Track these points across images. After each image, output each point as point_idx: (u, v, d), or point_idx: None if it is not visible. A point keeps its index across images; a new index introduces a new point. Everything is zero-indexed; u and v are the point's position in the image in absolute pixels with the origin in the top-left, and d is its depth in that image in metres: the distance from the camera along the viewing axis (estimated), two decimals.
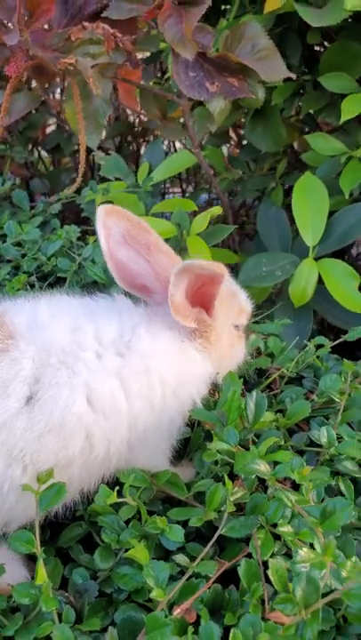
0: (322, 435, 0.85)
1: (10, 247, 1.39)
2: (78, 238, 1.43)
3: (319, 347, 1.14)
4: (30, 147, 2.47)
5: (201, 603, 0.68)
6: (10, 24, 1.13)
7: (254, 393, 0.90)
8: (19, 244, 1.41)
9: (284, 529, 0.69)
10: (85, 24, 1.19)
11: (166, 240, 1.48)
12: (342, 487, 0.82)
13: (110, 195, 1.61)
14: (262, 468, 0.71)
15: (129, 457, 0.81)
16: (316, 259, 1.57)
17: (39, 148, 2.54)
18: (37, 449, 0.70)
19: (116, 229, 0.83)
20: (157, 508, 0.82)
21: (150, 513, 0.81)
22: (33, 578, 0.68)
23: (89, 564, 0.76)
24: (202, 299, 0.84)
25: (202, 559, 0.73)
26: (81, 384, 0.73)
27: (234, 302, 0.92)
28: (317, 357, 1.14)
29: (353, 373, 1.03)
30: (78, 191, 1.63)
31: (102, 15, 1.24)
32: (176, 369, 0.82)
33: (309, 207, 1.56)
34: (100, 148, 2.73)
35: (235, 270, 1.67)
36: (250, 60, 1.27)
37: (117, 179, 1.88)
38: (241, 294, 0.94)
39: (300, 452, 0.90)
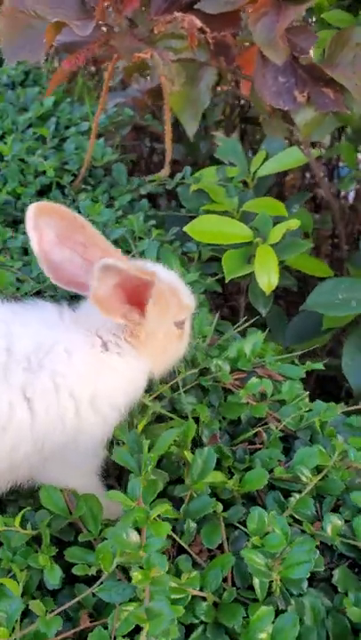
0: (251, 519, 0.78)
1: None
2: (149, 230, 1.42)
3: None
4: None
5: None
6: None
7: (205, 449, 0.85)
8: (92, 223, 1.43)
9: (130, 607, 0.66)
10: (176, 14, 1.14)
11: (239, 245, 1.43)
12: (256, 583, 0.75)
13: (201, 184, 1.56)
14: (132, 538, 0.68)
15: (47, 473, 0.83)
16: None
17: None
18: None
19: (49, 230, 0.82)
20: (69, 538, 0.83)
21: (61, 542, 0.82)
22: None
23: None
24: (137, 297, 0.82)
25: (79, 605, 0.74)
26: None
27: (172, 300, 0.89)
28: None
29: (342, 453, 0.92)
30: (172, 175, 1.60)
31: (195, 7, 1.16)
32: (93, 385, 0.82)
33: None
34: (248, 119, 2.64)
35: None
36: (347, 73, 1.12)
37: (231, 163, 1.81)
38: (182, 290, 0.91)
39: (234, 527, 0.84)
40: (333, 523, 0.81)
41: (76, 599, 0.72)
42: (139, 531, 0.72)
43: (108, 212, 1.43)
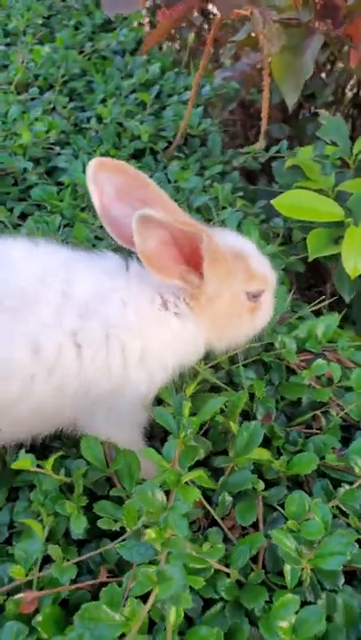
0: (291, 501, 0.73)
1: (168, 189, 1.39)
2: (235, 201, 1.37)
3: None
4: None
5: (54, 601, 0.67)
6: None
7: (253, 423, 0.80)
8: (178, 190, 1.41)
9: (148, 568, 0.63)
10: None
11: (331, 224, 1.34)
12: (286, 569, 0.70)
13: (296, 159, 1.49)
14: (158, 498, 0.65)
15: (92, 422, 0.82)
16: None
17: None
18: None
19: (109, 185, 0.81)
20: (103, 492, 0.81)
21: (93, 494, 0.81)
22: None
23: None
24: (195, 258, 0.79)
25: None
26: (25, 332, 0.73)
27: (238, 265, 0.83)
28: None
29: None
30: (268, 148, 1.54)
31: None
32: (145, 339, 0.79)
33: None
34: None
35: None
36: None
37: (334, 143, 1.71)
38: (252, 258, 0.86)
39: (273, 509, 0.79)
40: None
41: (95, 552, 0.70)
42: (169, 493, 0.69)
43: (196, 179, 1.39)
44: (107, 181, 0.81)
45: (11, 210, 1.36)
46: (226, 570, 0.69)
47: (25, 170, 1.47)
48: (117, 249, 1.20)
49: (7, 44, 2.16)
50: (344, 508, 0.78)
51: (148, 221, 0.73)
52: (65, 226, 1.27)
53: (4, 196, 1.42)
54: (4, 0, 2.45)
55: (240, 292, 0.84)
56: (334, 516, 0.79)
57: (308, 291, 1.82)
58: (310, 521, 0.70)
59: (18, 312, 0.74)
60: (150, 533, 0.59)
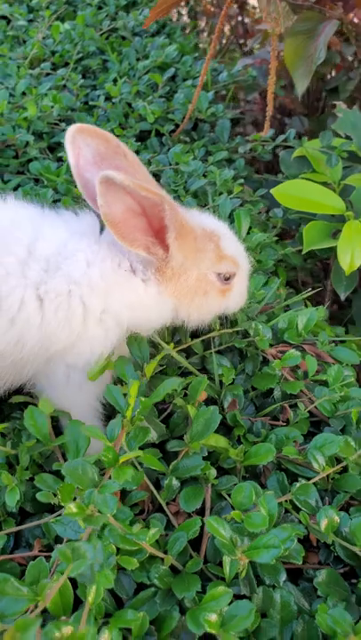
0: (238, 490, 0.70)
1: (168, 172, 1.37)
2: (230, 193, 1.33)
3: None
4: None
5: None
6: None
7: (210, 408, 0.78)
8: (177, 172, 1.38)
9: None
10: None
11: (332, 218, 1.30)
12: (225, 560, 0.67)
13: (303, 149, 1.45)
14: (89, 474, 0.62)
15: (54, 381, 0.82)
16: None
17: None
18: None
19: (87, 149, 0.81)
20: (49, 467, 0.79)
21: (40, 467, 0.80)
22: None
23: None
24: (162, 230, 0.78)
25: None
26: None
27: (207, 245, 0.83)
28: None
29: None
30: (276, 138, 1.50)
31: None
32: (106, 297, 0.79)
33: None
34: None
35: None
36: None
37: (348, 137, 1.67)
38: (225, 239, 0.85)
39: (223, 498, 0.76)
40: (330, 518, 0.70)
41: (31, 524, 0.68)
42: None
43: (196, 163, 1.36)
44: (84, 144, 0.81)
45: (7, 182, 1.34)
46: (161, 555, 0.66)
47: (27, 143, 1.45)
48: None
49: (29, 20, 2.15)
50: (297, 503, 0.75)
51: (111, 184, 0.72)
52: (56, 201, 1.25)
53: (3, 167, 1.41)
54: None
55: (208, 272, 0.83)
56: (287, 511, 0.76)
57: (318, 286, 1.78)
58: (255, 512, 0.67)
59: None
60: (71, 508, 0.57)
